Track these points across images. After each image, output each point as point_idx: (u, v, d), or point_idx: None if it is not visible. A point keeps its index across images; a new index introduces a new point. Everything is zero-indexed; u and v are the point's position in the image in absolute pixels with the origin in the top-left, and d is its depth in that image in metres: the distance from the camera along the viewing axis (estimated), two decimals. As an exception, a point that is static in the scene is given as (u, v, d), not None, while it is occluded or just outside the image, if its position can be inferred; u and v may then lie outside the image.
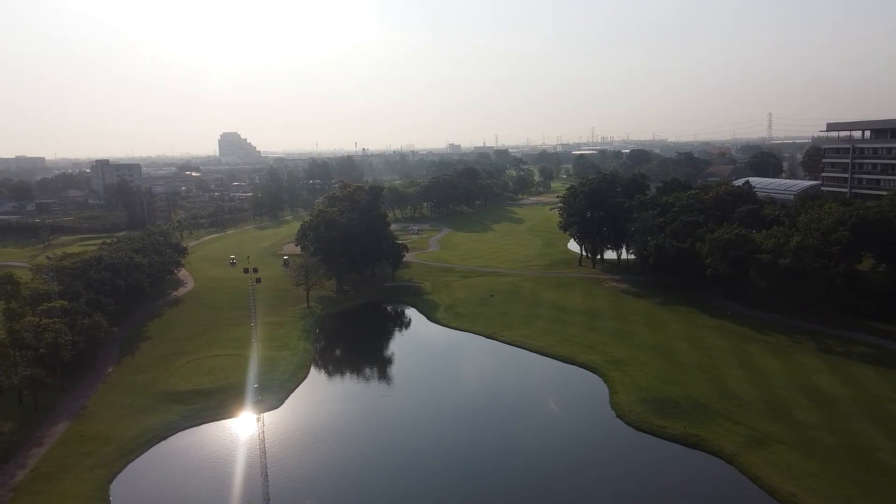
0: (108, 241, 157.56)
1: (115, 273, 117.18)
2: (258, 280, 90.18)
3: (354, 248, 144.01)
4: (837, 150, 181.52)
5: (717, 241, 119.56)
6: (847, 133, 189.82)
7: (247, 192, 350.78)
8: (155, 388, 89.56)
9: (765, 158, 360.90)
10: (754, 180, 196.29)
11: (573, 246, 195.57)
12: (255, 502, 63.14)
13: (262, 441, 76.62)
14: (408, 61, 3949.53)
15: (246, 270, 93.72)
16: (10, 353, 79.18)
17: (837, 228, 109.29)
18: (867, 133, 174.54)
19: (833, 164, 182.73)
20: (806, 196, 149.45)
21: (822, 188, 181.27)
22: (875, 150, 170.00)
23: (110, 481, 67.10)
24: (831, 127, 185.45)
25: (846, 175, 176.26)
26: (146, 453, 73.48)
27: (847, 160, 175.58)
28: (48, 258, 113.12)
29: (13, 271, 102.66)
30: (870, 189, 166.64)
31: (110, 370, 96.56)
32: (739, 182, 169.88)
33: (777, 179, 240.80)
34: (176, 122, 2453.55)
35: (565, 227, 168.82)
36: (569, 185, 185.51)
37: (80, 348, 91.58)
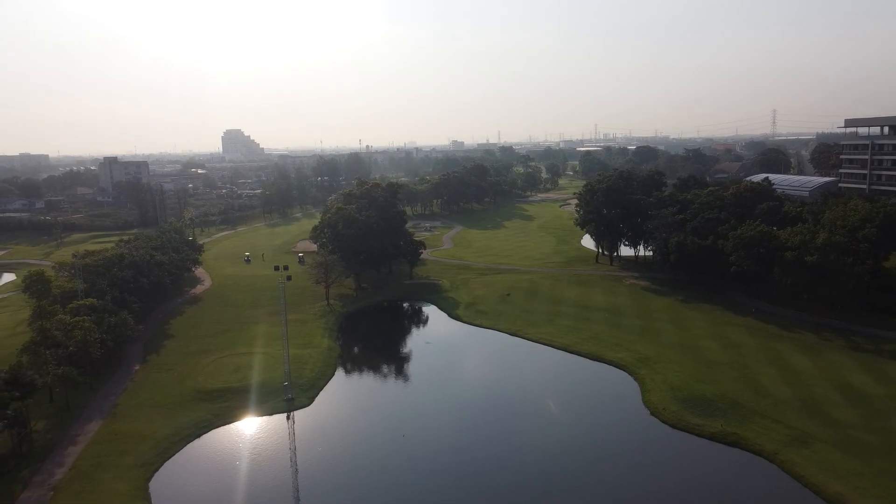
0: (125, 238, 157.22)
1: (138, 271, 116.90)
2: (289, 278, 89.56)
3: (373, 246, 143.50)
4: (855, 147, 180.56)
5: (741, 238, 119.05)
6: (857, 129, 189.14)
7: (255, 190, 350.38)
8: (184, 386, 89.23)
9: (773, 155, 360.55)
10: (770, 177, 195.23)
11: (587, 243, 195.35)
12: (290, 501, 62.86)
13: (293, 439, 76.36)
14: (410, 59, 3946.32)
15: (276, 268, 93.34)
16: (41, 352, 78.83)
17: (864, 225, 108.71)
18: (885, 129, 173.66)
19: (851, 161, 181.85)
20: (827, 193, 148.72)
21: (840, 185, 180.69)
22: (895, 146, 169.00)
23: (149, 480, 66.84)
24: (849, 123, 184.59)
25: (864, 171, 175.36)
26: (181, 451, 73.20)
27: (866, 156, 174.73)
28: (74, 256, 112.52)
29: (44, 270, 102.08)
30: (889, 186, 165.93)
31: (137, 368, 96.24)
32: (758, 178, 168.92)
33: (791, 176, 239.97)
34: (178, 119, 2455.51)
35: (583, 223, 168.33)
36: (585, 182, 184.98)
37: (109, 346, 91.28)
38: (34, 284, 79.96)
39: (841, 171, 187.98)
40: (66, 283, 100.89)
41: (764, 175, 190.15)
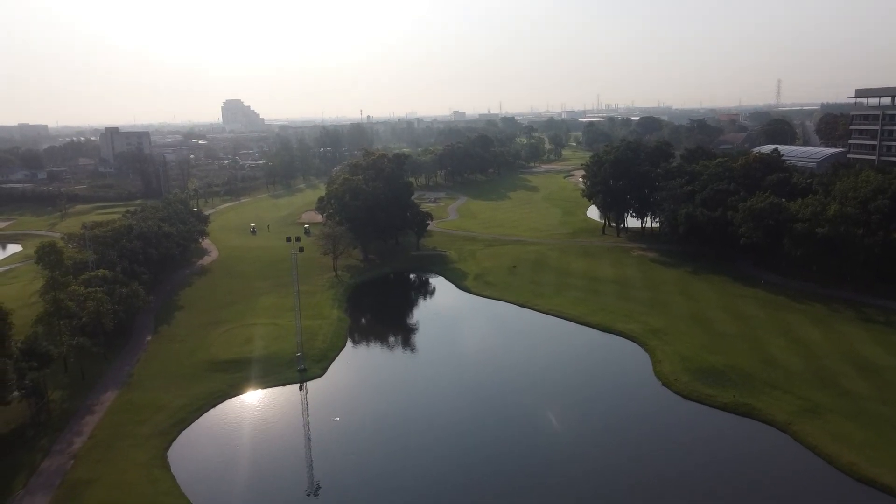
0: (131, 209, 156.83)
1: (147, 242, 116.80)
2: (301, 249, 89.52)
3: (380, 217, 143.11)
4: (866, 117, 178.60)
5: (751, 209, 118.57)
6: (867, 100, 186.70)
7: (257, 161, 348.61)
8: (196, 357, 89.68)
9: (779, 126, 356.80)
10: (779, 148, 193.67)
11: (592, 214, 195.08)
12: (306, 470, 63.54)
13: (308, 410, 76.97)
14: (410, 27, 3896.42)
15: (288, 239, 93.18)
16: (55, 323, 79.04)
17: (876, 197, 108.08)
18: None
19: (861, 132, 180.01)
20: (838, 164, 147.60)
21: (849, 156, 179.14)
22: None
23: (167, 449, 67.48)
24: (860, 93, 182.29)
25: (874, 142, 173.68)
26: (197, 421, 73.76)
27: (876, 127, 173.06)
28: (83, 227, 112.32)
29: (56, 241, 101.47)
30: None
31: (149, 339, 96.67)
32: (767, 150, 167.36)
33: (798, 147, 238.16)
34: (177, 89, 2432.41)
35: (590, 195, 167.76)
36: (592, 154, 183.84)
37: (121, 317, 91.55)
38: (47, 255, 79.76)
39: (850, 141, 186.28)
40: (76, 254, 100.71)
41: (773, 146, 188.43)
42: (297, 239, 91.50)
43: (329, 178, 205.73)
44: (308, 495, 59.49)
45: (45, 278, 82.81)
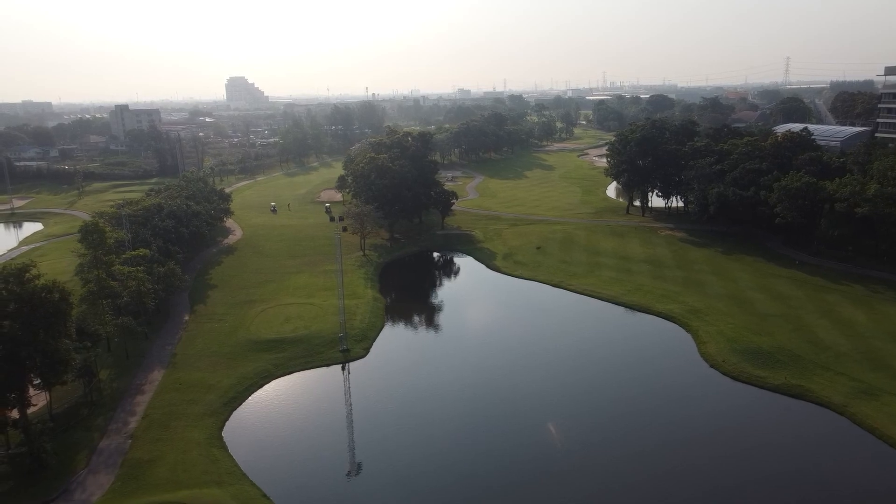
0: (155, 188, 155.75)
1: (178, 221, 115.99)
2: (344, 229, 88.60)
3: (407, 196, 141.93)
4: (895, 96, 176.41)
5: (786, 189, 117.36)
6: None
7: (268, 139, 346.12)
8: (237, 336, 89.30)
9: (793, 104, 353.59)
10: (803, 127, 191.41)
11: (611, 193, 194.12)
12: (364, 452, 63.33)
13: (354, 390, 76.71)
14: (414, 3, 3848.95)
15: (332, 219, 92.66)
16: (99, 303, 78.51)
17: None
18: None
19: (889, 110, 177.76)
20: (871, 143, 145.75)
21: (876, 134, 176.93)
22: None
23: (221, 428, 67.44)
24: (889, 71, 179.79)
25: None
26: (248, 401, 73.76)
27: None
28: (118, 206, 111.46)
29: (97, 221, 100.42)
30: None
31: (187, 318, 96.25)
32: (797, 128, 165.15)
33: (822, 125, 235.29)
34: (178, 66, 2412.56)
35: (615, 174, 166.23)
36: (617, 132, 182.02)
37: (161, 296, 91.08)
38: (90, 234, 79.04)
39: (878, 120, 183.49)
40: (111, 233, 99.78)
41: (802, 125, 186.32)
42: (341, 218, 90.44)
43: (347, 157, 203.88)
44: (349, 475, 59.32)
45: (88, 257, 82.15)
